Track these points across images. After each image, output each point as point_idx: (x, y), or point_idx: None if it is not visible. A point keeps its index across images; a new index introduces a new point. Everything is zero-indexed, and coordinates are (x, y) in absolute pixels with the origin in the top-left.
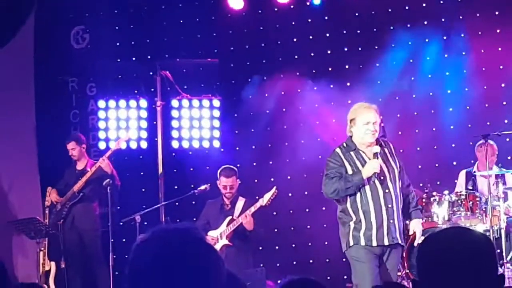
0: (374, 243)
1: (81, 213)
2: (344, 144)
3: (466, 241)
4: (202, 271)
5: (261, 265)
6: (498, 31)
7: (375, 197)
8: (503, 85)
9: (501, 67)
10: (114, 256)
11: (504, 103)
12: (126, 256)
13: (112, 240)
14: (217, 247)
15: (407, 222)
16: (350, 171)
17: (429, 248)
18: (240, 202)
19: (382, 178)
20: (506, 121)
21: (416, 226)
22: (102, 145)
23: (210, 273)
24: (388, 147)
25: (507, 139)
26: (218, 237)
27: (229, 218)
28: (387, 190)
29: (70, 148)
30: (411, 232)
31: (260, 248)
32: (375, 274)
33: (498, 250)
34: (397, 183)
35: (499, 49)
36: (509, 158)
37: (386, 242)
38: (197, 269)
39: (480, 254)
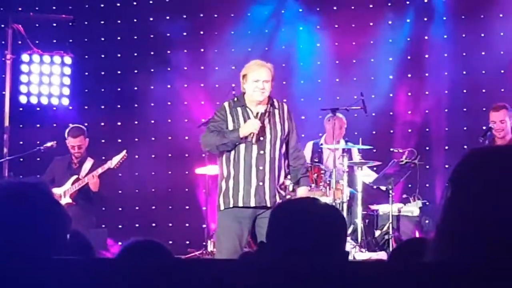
0: (240, 204)
1: None
2: (235, 99)
3: (318, 212)
4: (49, 226)
5: (103, 225)
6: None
7: (248, 157)
8: (354, 60)
9: (354, 43)
10: None
11: (355, 78)
12: None
13: None
14: None
15: (295, 187)
16: (231, 127)
17: (280, 214)
18: (89, 162)
19: (261, 138)
20: (355, 97)
21: (303, 193)
22: None
23: (56, 228)
24: (281, 109)
25: (355, 115)
26: (61, 194)
27: (74, 177)
28: (261, 152)
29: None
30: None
31: (103, 208)
32: (232, 237)
33: None
34: (277, 146)
35: (353, 25)
36: (356, 133)
37: (252, 203)
38: (44, 223)
39: (330, 227)
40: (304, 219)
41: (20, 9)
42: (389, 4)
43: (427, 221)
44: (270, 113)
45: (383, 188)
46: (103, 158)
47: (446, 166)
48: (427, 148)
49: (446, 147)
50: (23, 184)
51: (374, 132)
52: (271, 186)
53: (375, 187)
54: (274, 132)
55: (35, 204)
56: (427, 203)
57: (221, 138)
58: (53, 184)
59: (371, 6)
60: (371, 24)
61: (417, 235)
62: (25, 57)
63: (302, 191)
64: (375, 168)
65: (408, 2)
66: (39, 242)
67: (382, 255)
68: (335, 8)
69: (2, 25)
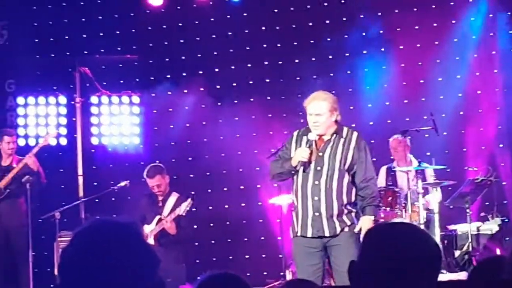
0: (299, 233)
1: (8, 210)
2: (305, 128)
3: (416, 241)
4: (138, 268)
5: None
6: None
7: (304, 188)
8: (422, 81)
9: (420, 63)
10: (33, 254)
11: (423, 99)
12: (45, 253)
13: (31, 237)
14: None
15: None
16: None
17: (374, 238)
18: (172, 198)
19: (318, 168)
20: (425, 117)
21: (363, 222)
22: (21, 142)
23: (144, 271)
24: (348, 138)
25: (426, 135)
26: (148, 234)
27: (157, 217)
28: (316, 182)
29: (12, 141)
30: (356, 229)
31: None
32: (304, 267)
33: None
34: (334, 176)
35: (418, 45)
36: (428, 154)
37: (309, 234)
38: (134, 264)
39: (425, 254)
40: (398, 245)
41: (86, 52)
42: (453, 22)
43: (507, 238)
44: (333, 142)
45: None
46: (180, 197)
47: None
48: (502, 164)
49: None
50: (116, 223)
51: (446, 151)
52: (329, 217)
53: (451, 207)
54: (333, 162)
55: (128, 244)
56: (506, 220)
57: (280, 167)
58: (145, 221)
59: (435, 24)
60: (436, 43)
61: (498, 253)
62: (94, 99)
63: (365, 221)
64: (450, 188)
65: (472, 19)
66: (130, 281)
67: (463, 276)
68: (398, 29)
69: (70, 69)
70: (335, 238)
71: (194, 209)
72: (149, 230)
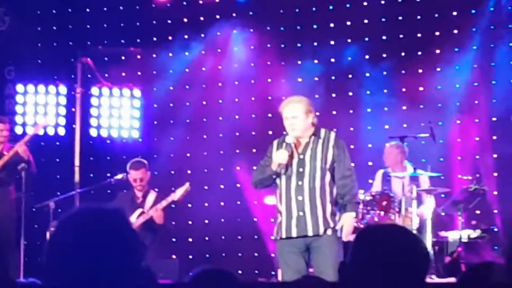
0: (284, 235)
1: None
2: (283, 135)
3: (403, 242)
4: (126, 252)
5: (174, 256)
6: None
7: (288, 189)
8: (421, 88)
9: (420, 71)
10: (25, 242)
11: (421, 106)
12: (38, 243)
13: (23, 226)
14: None
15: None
16: None
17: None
18: (152, 195)
19: (300, 170)
20: (422, 124)
21: (344, 219)
22: (18, 130)
23: (132, 253)
24: (326, 138)
25: (423, 142)
26: None
27: (139, 210)
28: (300, 183)
29: (5, 129)
30: (338, 227)
31: (174, 240)
32: (287, 267)
33: None
34: (317, 176)
35: (419, 53)
36: (423, 160)
37: (294, 234)
38: (122, 249)
39: (415, 257)
40: (389, 248)
41: (89, 43)
42: (455, 31)
43: (496, 247)
44: (313, 143)
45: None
46: (173, 189)
47: None
48: (495, 174)
49: None
50: (103, 209)
51: (441, 159)
52: (313, 216)
53: (443, 213)
54: (314, 162)
55: (115, 230)
56: (496, 229)
57: (261, 173)
58: None
59: (437, 33)
60: (437, 51)
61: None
62: (94, 90)
63: (346, 218)
64: (442, 195)
65: (474, 29)
66: (116, 266)
67: (451, 281)
68: (401, 36)
69: (72, 59)
70: (318, 240)
71: (189, 205)
72: None
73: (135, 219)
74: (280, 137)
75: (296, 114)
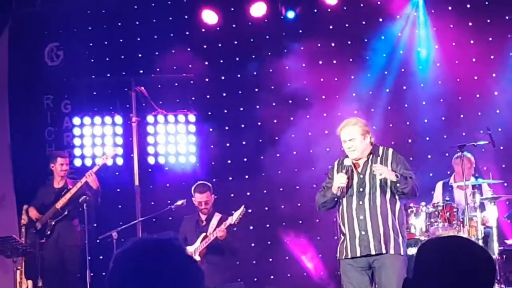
0: (349, 255)
1: (65, 230)
2: (344, 156)
3: (466, 253)
4: (183, 281)
5: (239, 279)
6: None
7: (349, 209)
8: (477, 95)
9: (476, 77)
10: (92, 274)
11: (479, 113)
12: (103, 274)
13: (89, 257)
14: None
15: None
16: None
17: (430, 252)
18: (216, 218)
19: (361, 190)
20: (481, 132)
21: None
22: (77, 162)
23: (189, 284)
24: (384, 155)
25: (483, 150)
26: (192, 253)
27: (203, 235)
28: (360, 202)
29: (65, 163)
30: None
31: (238, 263)
32: (351, 286)
33: None
34: (377, 194)
35: (473, 59)
36: (485, 168)
37: (358, 253)
38: (178, 279)
39: (479, 268)
40: (452, 259)
41: (141, 71)
42: (509, 36)
43: None
44: (371, 162)
45: None
46: (232, 212)
47: None
48: None
49: None
50: (157, 240)
51: (503, 166)
52: (375, 235)
53: (509, 221)
54: (373, 181)
55: (170, 260)
56: None
57: (323, 196)
58: (186, 243)
59: (490, 39)
60: (492, 57)
61: None
62: (150, 118)
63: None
64: (507, 202)
65: None
66: None
67: None
68: (454, 44)
69: (126, 89)
70: (381, 258)
71: (251, 227)
72: (194, 248)
73: (199, 244)
74: (340, 158)
75: (353, 136)
